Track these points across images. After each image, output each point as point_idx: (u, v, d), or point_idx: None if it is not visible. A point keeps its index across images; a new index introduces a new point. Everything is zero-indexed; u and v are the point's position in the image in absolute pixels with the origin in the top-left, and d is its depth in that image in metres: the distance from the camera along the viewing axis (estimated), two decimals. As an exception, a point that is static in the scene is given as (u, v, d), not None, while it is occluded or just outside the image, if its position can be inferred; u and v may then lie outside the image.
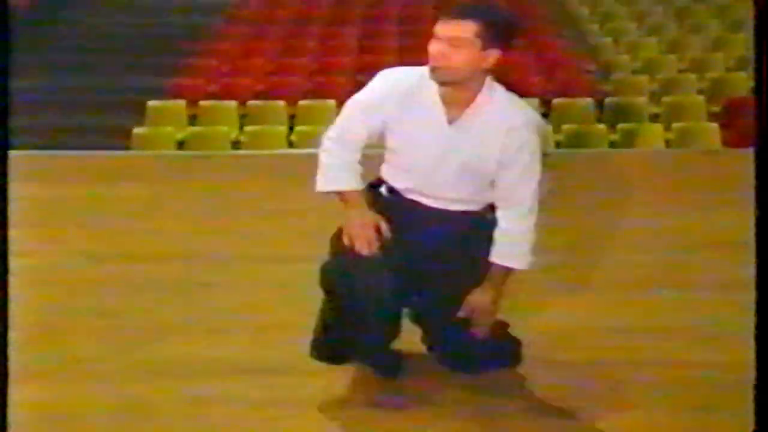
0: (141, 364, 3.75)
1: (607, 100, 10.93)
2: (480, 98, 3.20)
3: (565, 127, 9.89)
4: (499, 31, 3.13)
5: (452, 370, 3.55)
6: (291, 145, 9.72)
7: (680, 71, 12.37)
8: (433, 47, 3.11)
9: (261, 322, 4.14)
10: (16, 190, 6.49)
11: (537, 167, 3.27)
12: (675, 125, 9.94)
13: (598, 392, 3.50)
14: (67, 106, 11.93)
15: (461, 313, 3.32)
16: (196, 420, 3.32)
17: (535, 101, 10.42)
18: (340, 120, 3.35)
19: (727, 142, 9.66)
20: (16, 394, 3.47)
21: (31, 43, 13.72)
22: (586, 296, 4.49)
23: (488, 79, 3.22)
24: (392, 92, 3.25)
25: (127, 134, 9.83)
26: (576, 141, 9.66)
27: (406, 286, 3.30)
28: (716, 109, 10.79)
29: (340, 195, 3.32)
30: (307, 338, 3.51)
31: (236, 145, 9.94)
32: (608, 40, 13.55)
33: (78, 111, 11.76)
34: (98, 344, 3.97)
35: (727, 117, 10.46)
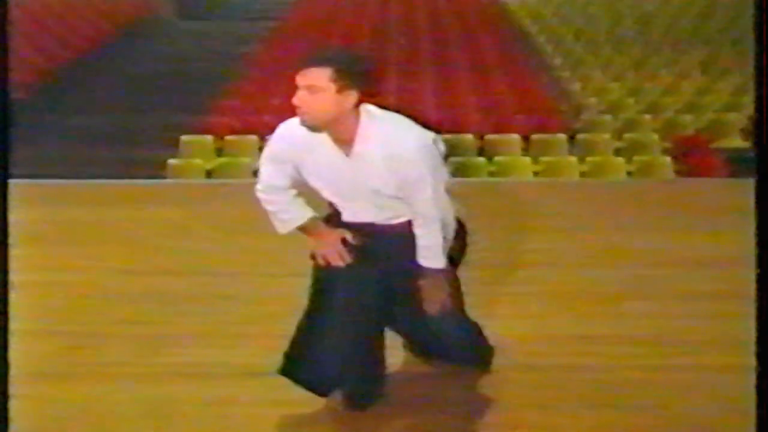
0: (167, 366, 3.69)
1: (578, 136, 10.93)
2: (361, 131, 2.98)
3: (543, 159, 9.87)
4: (353, 74, 2.91)
5: (429, 357, 3.50)
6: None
7: (638, 112, 12.45)
8: (295, 97, 2.92)
9: (273, 330, 4.01)
10: (63, 212, 6.47)
11: (429, 182, 3.01)
12: (635, 158, 9.96)
13: (574, 392, 3.41)
14: (114, 141, 11.98)
15: (417, 291, 3.17)
16: (214, 417, 3.25)
17: (517, 137, 10.45)
18: (260, 175, 3.23)
19: (678, 173, 9.69)
20: (58, 391, 3.42)
21: (87, 89, 13.86)
22: (563, 307, 4.41)
23: (365, 111, 2.99)
24: (292, 141, 3.07)
25: (164, 165, 9.81)
26: (552, 171, 9.63)
27: (382, 296, 3.20)
28: (668, 145, 10.80)
29: (301, 229, 3.24)
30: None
31: (256, 174, 9.87)
32: (578, 85, 13.62)
33: (122, 145, 11.79)
34: (131, 348, 3.91)
35: (678, 152, 10.46)
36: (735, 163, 9.91)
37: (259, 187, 3.23)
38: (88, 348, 3.92)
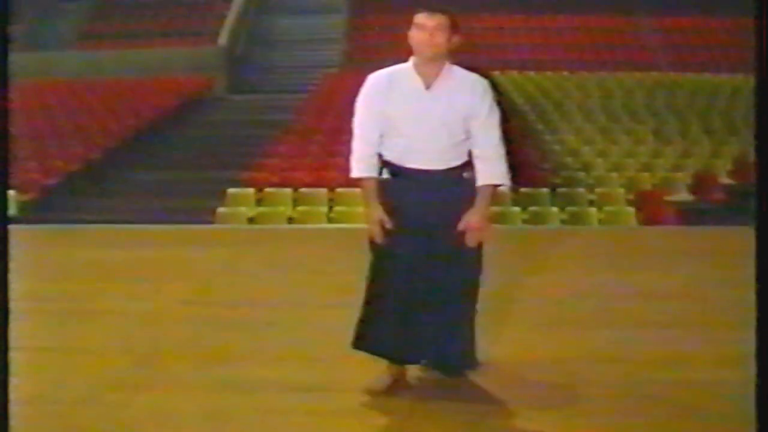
0: (221, 381, 3.68)
1: (558, 190, 10.94)
2: (444, 70, 3.30)
3: (530, 209, 9.87)
4: (456, 24, 3.27)
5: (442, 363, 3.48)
6: (330, 221, 9.71)
7: (606, 170, 12.47)
8: (421, 34, 3.23)
9: (309, 352, 4.06)
10: (133, 253, 6.50)
11: (497, 110, 3.35)
12: (605, 209, 9.97)
13: (552, 399, 3.42)
14: (174, 192, 12.06)
15: (460, 227, 3.27)
16: (260, 423, 3.25)
17: (509, 190, 10.46)
18: (355, 120, 3.37)
19: (640, 222, 9.69)
20: (130, 398, 3.45)
21: (154, 151, 14.01)
22: (543, 333, 4.41)
23: (449, 64, 3.32)
24: (380, 79, 3.33)
25: (213, 212, 9.87)
26: (537, 219, 9.64)
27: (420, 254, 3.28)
28: (631, 197, 10.80)
29: (359, 183, 3.39)
30: (343, 365, 3.43)
31: (291, 221, 9.94)
32: (557, 147, 13.66)
33: (181, 195, 11.87)
34: (189, 365, 3.91)
35: (639, 203, 10.46)
36: (682, 213, 9.98)
37: (355, 130, 3.36)
38: (155, 364, 3.93)
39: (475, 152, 3.31)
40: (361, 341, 3.42)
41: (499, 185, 3.37)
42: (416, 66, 3.30)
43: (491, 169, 3.32)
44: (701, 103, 16.33)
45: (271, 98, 18.22)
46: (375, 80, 3.33)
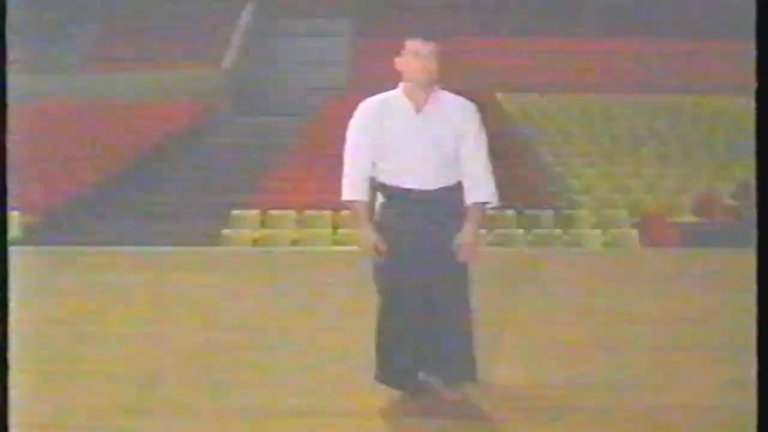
0: (225, 405, 3.65)
1: (562, 212, 10.93)
2: (433, 94, 3.39)
3: (533, 231, 9.85)
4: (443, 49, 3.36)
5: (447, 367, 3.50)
6: (335, 243, 9.71)
7: (610, 193, 12.47)
8: (416, 60, 3.32)
9: (313, 377, 4.04)
10: (138, 276, 6.46)
11: (484, 130, 3.41)
12: (609, 231, 9.95)
13: (560, 417, 3.39)
14: (180, 215, 12.08)
15: (453, 245, 3.33)
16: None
17: (512, 212, 10.44)
18: (347, 143, 3.43)
19: (643, 244, 9.68)
20: (136, 424, 3.43)
21: (158, 174, 14.05)
22: (544, 353, 4.38)
23: (436, 85, 3.41)
24: (371, 107, 3.42)
25: (218, 234, 9.87)
26: (540, 241, 9.62)
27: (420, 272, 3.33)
28: (635, 220, 10.79)
29: (350, 206, 3.42)
30: (345, 388, 3.41)
31: (295, 243, 9.94)
32: (561, 170, 13.66)
33: (186, 218, 11.87)
34: (195, 390, 3.88)
35: (643, 226, 10.44)
36: (686, 235, 9.96)
37: (345, 154, 3.43)
38: (159, 388, 3.89)
39: (464, 171, 3.39)
40: (381, 374, 3.47)
41: (488, 203, 3.43)
42: (406, 91, 3.40)
43: (480, 188, 3.39)
44: (704, 125, 16.36)
45: (276, 121, 18.28)
46: (366, 108, 3.42)
